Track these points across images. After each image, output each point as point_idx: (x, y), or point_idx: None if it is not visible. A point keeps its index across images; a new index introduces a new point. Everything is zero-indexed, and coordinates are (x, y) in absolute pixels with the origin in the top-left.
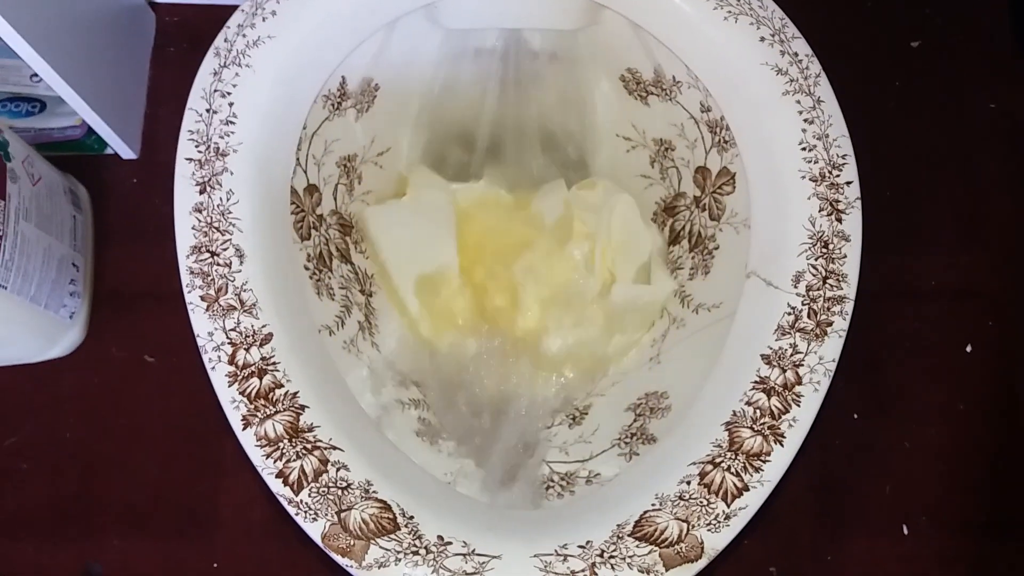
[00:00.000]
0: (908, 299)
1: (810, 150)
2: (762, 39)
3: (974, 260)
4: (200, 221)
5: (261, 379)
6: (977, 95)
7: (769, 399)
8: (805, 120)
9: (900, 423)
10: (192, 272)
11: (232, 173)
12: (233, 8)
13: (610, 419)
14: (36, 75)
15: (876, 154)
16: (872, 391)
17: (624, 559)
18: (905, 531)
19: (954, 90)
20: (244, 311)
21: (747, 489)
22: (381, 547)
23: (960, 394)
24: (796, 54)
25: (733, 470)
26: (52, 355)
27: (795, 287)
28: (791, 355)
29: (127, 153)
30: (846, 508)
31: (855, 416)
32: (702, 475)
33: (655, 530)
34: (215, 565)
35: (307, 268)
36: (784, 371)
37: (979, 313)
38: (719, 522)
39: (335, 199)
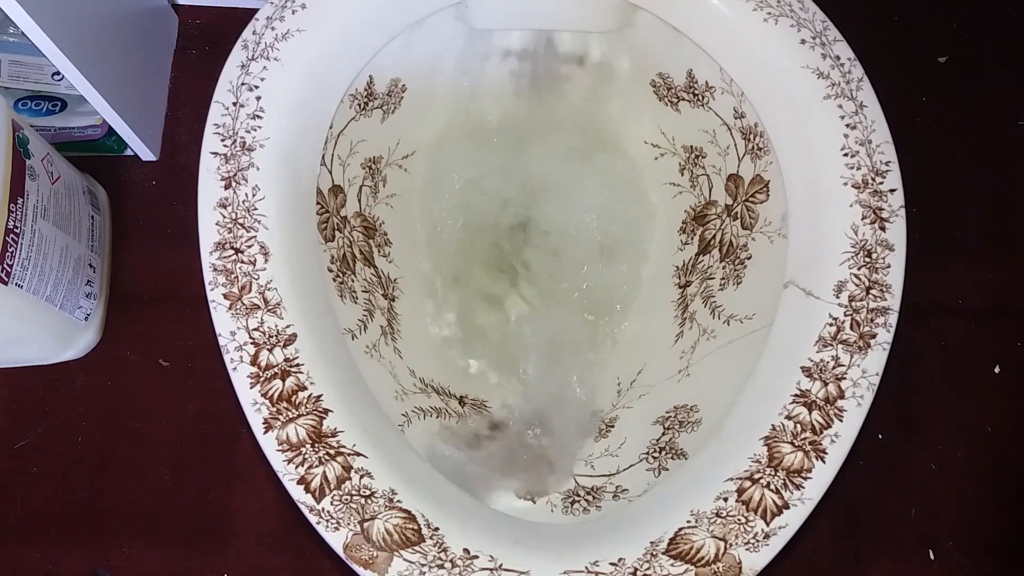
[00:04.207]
0: (935, 317)
1: (852, 156)
2: (803, 42)
3: (1002, 278)
4: (224, 217)
5: (284, 381)
6: (1005, 111)
7: (810, 413)
8: (847, 125)
9: (926, 444)
10: (215, 269)
11: (258, 168)
12: (255, 12)
13: (637, 432)
14: (58, 73)
15: (902, 170)
16: (897, 411)
17: None
18: (931, 555)
19: (982, 106)
20: (268, 310)
21: (787, 507)
22: (405, 559)
23: (988, 415)
24: (838, 57)
25: (773, 487)
26: (66, 357)
27: (837, 297)
28: (833, 368)
29: (147, 155)
30: (870, 530)
31: (879, 436)
32: (740, 491)
33: (691, 548)
34: (225, 575)
35: (330, 270)
36: (826, 384)
37: (1008, 332)
38: (758, 541)
39: (359, 201)
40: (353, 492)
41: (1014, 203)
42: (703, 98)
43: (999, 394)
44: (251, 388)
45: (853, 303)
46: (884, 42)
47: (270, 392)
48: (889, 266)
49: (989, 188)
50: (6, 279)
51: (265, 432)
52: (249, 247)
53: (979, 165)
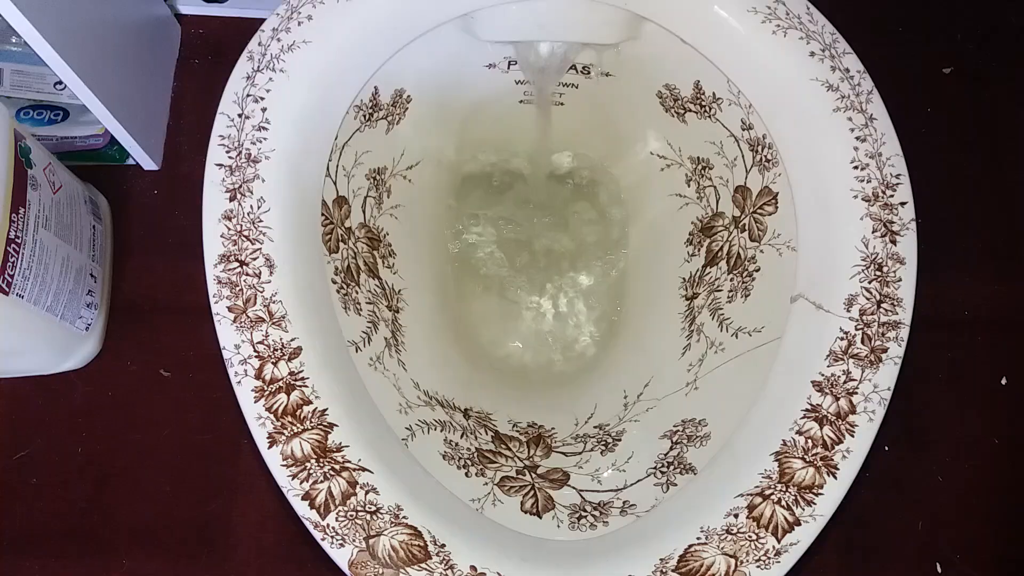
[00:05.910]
0: (941, 329)
1: (862, 169)
2: (812, 54)
3: (1009, 290)
4: (229, 229)
5: (289, 395)
6: (1010, 122)
7: (822, 428)
8: (857, 138)
9: (933, 457)
10: (220, 282)
11: (264, 180)
12: (259, 21)
13: (645, 446)
14: (60, 83)
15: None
16: (904, 423)
17: None
18: (939, 569)
19: (986, 117)
20: (273, 323)
21: (799, 523)
22: None
23: (995, 428)
24: (847, 70)
25: (784, 503)
26: (66, 367)
27: (847, 311)
28: (844, 382)
29: (149, 164)
30: (876, 544)
31: (886, 449)
32: (750, 508)
33: (701, 565)
34: None
35: (334, 282)
36: (837, 399)
37: (1015, 344)
38: (769, 558)
39: (364, 212)
40: (358, 508)
41: (1020, 214)
42: (710, 109)
43: (1006, 406)
44: (255, 402)
45: (864, 317)
46: (888, 53)
47: (275, 406)
48: (900, 279)
49: (994, 199)
50: (7, 289)
51: (270, 447)
52: (254, 259)
53: (984, 175)
